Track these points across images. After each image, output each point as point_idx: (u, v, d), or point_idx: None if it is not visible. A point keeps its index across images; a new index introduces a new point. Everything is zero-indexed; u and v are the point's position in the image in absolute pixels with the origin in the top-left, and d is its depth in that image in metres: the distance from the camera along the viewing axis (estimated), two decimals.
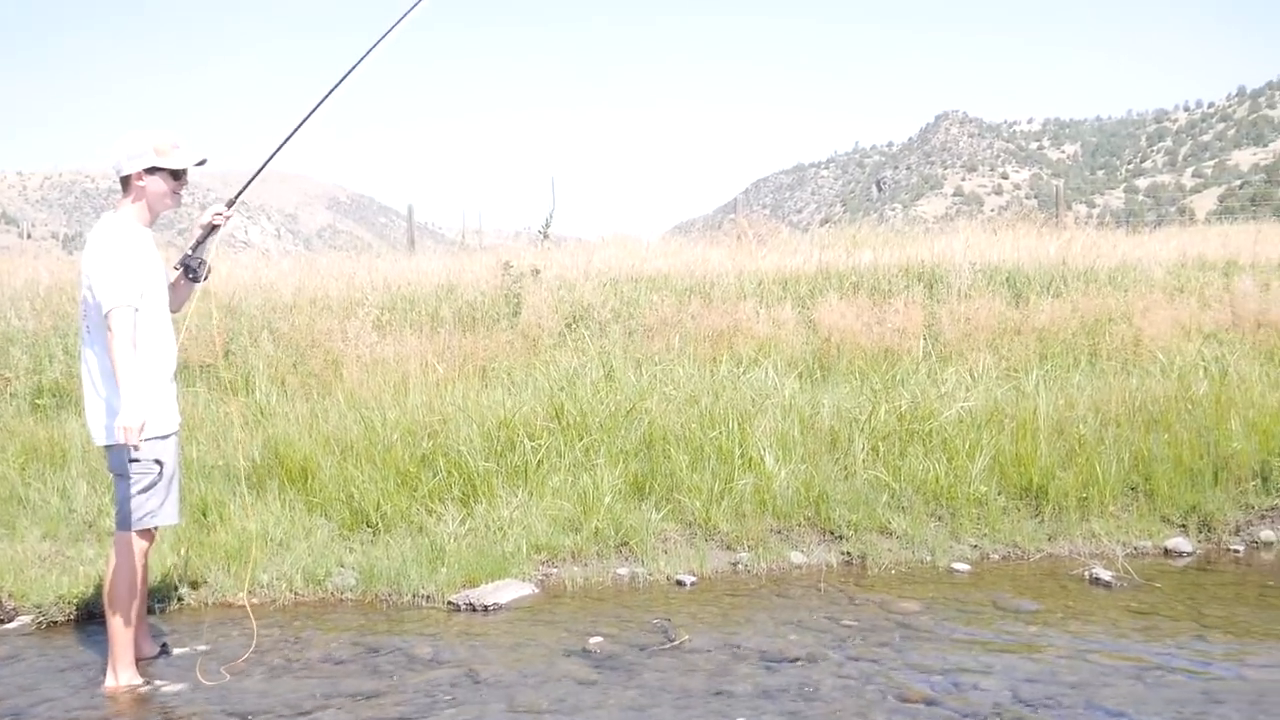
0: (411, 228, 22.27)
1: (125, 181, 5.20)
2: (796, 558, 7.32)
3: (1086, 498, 7.78)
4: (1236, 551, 7.48)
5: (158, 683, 5.29)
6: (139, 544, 5.24)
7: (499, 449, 8.06)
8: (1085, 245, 14.21)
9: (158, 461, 5.16)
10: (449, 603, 6.56)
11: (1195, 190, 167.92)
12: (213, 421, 8.95)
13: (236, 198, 5.71)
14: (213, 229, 5.47)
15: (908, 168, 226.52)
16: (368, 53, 5.85)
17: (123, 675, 5.25)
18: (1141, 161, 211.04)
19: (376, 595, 6.71)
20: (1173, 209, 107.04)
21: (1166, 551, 7.43)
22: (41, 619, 6.33)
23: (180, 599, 6.59)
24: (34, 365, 10.34)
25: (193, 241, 5.49)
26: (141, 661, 5.44)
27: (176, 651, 5.73)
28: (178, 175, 5.27)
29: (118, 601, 5.20)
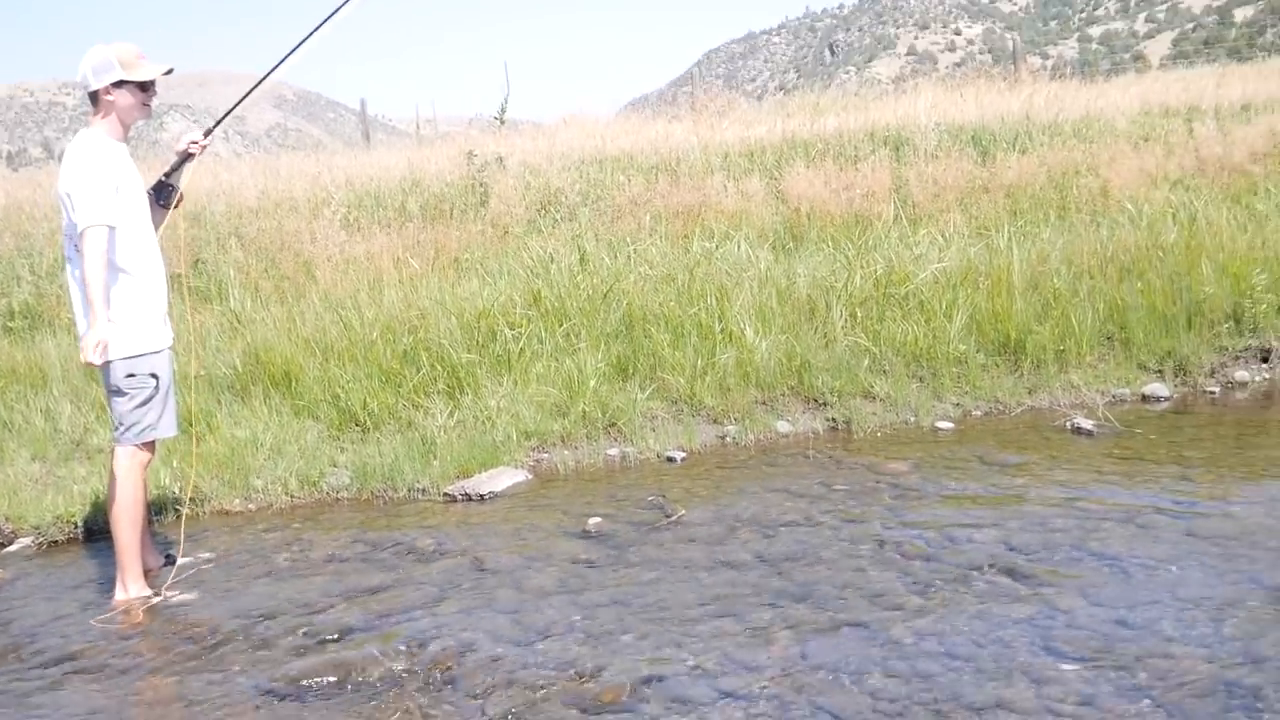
0: (365, 121, 21.98)
1: (94, 97, 5.14)
2: (783, 427, 7.42)
3: (1064, 350, 7.89)
4: (1213, 393, 7.64)
5: (167, 593, 5.35)
6: (139, 456, 5.29)
7: (480, 340, 8.08)
8: (1048, 98, 14.15)
9: (153, 375, 5.19)
10: (445, 494, 6.63)
11: (1149, 36, 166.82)
12: (189, 331, 8.91)
13: (214, 127, 5.72)
14: (188, 156, 5.45)
15: (859, 29, 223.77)
16: None
17: (132, 587, 5.31)
18: (1094, 9, 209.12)
19: (372, 493, 6.78)
20: (1127, 56, 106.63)
21: (1145, 398, 7.57)
22: (41, 540, 6.37)
23: (177, 510, 6.63)
24: (2, 288, 10.22)
25: (168, 168, 5.47)
26: (149, 573, 5.50)
27: (181, 561, 5.79)
28: (145, 87, 5.21)
29: (122, 515, 5.25)
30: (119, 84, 5.12)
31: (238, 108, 6.05)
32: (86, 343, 4.82)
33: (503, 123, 16.85)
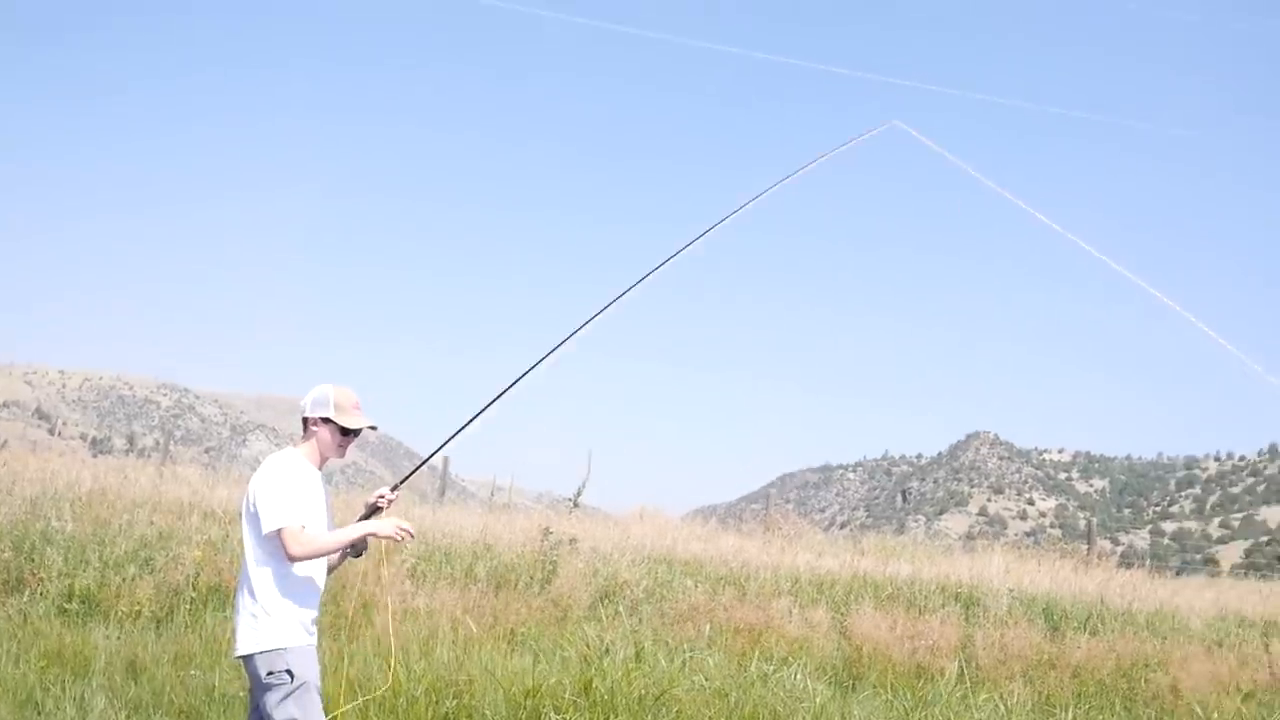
0: (444, 479, 22.52)
1: (304, 422, 5.58)
2: None
3: None
4: None
5: None
6: None
7: (524, 718, 7.91)
8: (1122, 585, 14.14)
9: (288, 672, 5.24)
10: None
11: (1221, 540, 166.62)
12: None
13: (401, 483, 5.99)
14: (376, 509, 5.69)
15: (934, 481, 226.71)
16: (557, 347, 6.21)
17: None
18: (1169, 505, 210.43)
19: None
20: (1198, 557, 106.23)
21: None
22: None
23: None
24: (67, 569, 10.34)
25: (358, 519, 5.70)
26: None
27: None
28: (346, 432, 5.59)
29: None
30: (326, 420, 5.52)
31: (422, 467, 6.37)
32: (382, 529, 5.41)
33: (576, 506, 17.15)
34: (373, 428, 5.69)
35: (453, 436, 6.01)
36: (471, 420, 5.97)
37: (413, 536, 5.54)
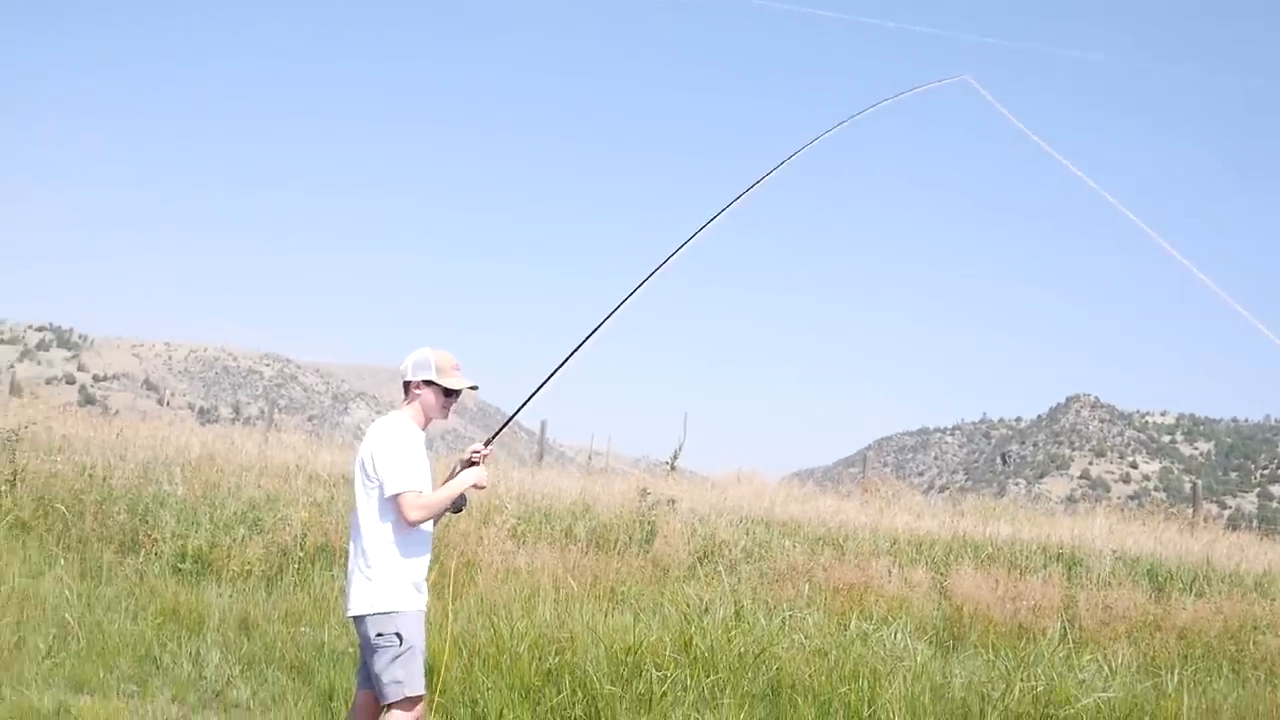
0: (543, 442, 22.76)
1: (406, 386, 5.71)
2: None
3: None
4: None
5: None
6: (401, 717, 5.45)
7: (625, 674, 7.99)
8: (1229, 547, 13.87)
9: (397, 634, 5.41)
10: None
11: None
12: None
13: (493, 438, 6.08)
14: (470, 463, 5.79)
15: (1034, 444, 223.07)
16: (629, 295, 6.18)
17: None
18: (1278, 468, 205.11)
19: None
20: None
21: None
22: None
23: None
24: (180, 530, 10.65)
25: (453, 473, 5.81)
26: None
27: None
28: (449, 393, 5.71)
29: None
30: (429, 383, 5.64)
31: (511, 421, 6.42)
32: (475, 476, 5.64)
33: (674, 468, 17.24)
34: (473, 388, 5.79)
35: (540, 386, 6.00)
36: (558, 369, 5.97)
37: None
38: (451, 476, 5.76)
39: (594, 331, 6.03)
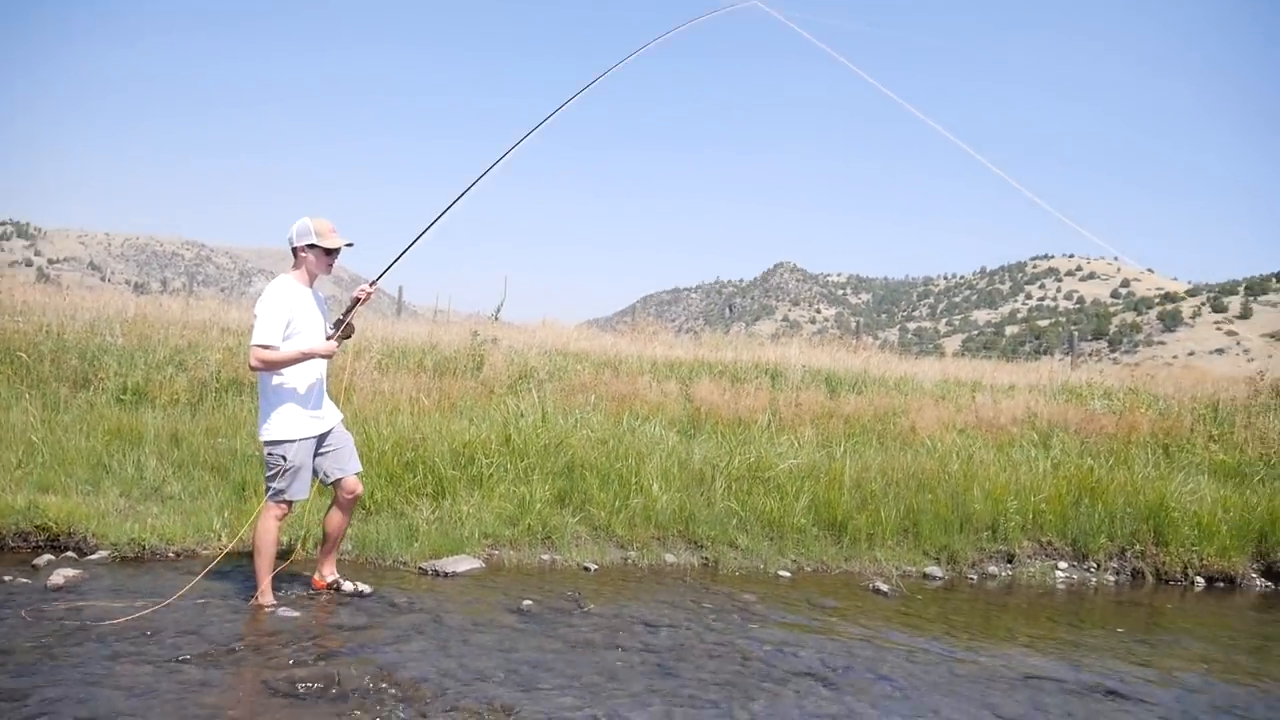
0: (399, 302, 22.13)
1: (294, 251, 5.26)
2: (670, 558, 7.37)
3: (873, 534, 7.96)
4: (972, 580, 7.71)
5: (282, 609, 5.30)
6: (274, 510, 5.27)
7: (462, 462, 8.01)
8: (880, 363, 14.65)
9: (283, 457, 5.17)
10: (419, 568, 6.48)
11: (946, 334, 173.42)
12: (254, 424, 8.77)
13: (379, 277, 5.69)
14: (357, 301, 5.45)
15: (751, 298, 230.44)
16: (516, 145, 5.78)
17: (262, 598, 5.29)
18: (911, 311, 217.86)
19: (367, 559, 6.62)
20: (931, 346, 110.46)
21: (925, 575, 7.63)
22: (116, 554, 6.13)
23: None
24: (121, 370, 9.99)
25: (343, 309, 5.48)
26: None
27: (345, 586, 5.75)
28: (329, 252, 5.29)
29: (259, 545, 5.29)
30: (311, 246, 5.21)
31: (396, 263, 5.75)
32: (325, 347, 5.19)
33: (497, 319, 17.03)
34: (349, 245, 5.34)
35: (397, 259, 5.60)
36: (409, 246, 5.55)
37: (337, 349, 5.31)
38: (347, 311, 5.41)
39: (436, 220, 5.59)
